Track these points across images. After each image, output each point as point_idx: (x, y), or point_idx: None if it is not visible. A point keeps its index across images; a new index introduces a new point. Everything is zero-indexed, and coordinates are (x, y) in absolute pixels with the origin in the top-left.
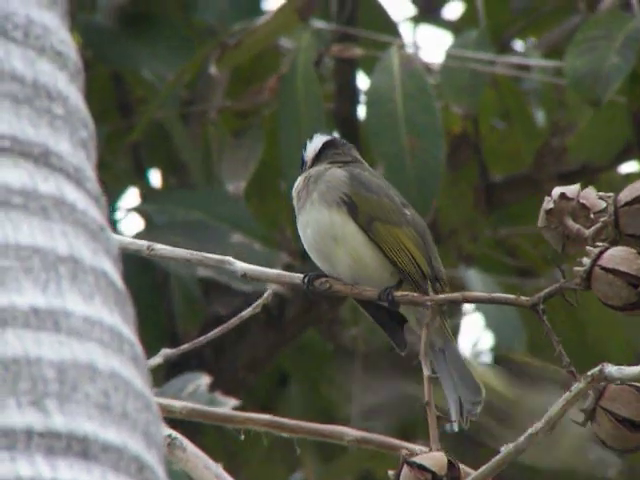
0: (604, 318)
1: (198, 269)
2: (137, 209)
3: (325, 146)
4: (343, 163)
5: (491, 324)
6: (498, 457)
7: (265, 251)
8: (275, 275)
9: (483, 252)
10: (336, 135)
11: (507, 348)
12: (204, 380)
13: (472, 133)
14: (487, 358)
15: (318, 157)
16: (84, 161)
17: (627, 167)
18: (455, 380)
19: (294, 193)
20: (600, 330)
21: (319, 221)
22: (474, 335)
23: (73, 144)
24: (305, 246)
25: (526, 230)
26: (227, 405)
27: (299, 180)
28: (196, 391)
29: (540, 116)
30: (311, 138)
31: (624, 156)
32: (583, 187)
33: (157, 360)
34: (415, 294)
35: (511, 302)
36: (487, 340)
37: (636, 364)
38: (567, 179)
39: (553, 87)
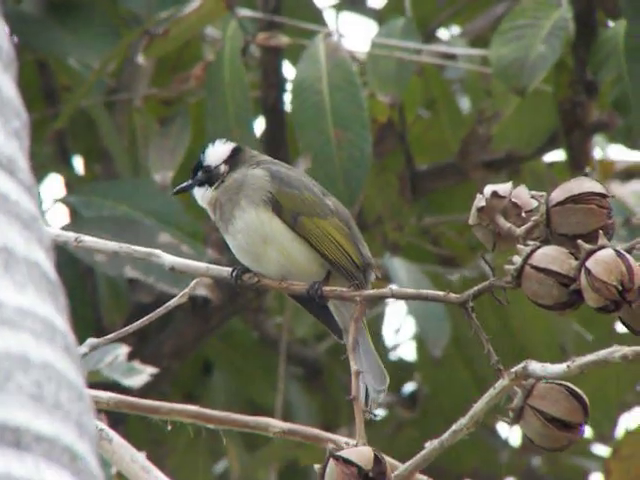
0: (529, 312)
1: (125, 270)
2: (63, 200)
3: (234, 152)
4: (257, 163)
5: (414, 314)
6: (423, 452)
7: (192, 252)
8: (204, 268)
9: (408, 241)
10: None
11: (431, 339)
12: (122, 350)
13: (398, 122)
14: (409, 347)
15: (229, 164)
16: (17, 151)
17: (552, 156)
18: (364, 368)
19: (208, 205)
20: (525, 323)
21: (249, 223)
22: (396, 323)
23: (6, 134)
24: (235, 253)
25: (451, 219)
26: (145, 372)
27: (211, 192)
28: (115, 361)
29: (466, 105)
30: (212, 143)
31: (549, 145)
32: (511, 180)
33: (83, 349)
34: (344, 289)
35: (440, 299)
36: (409, 328)
37: (561, 359)
38: (492, 168)
39: (479, 76)
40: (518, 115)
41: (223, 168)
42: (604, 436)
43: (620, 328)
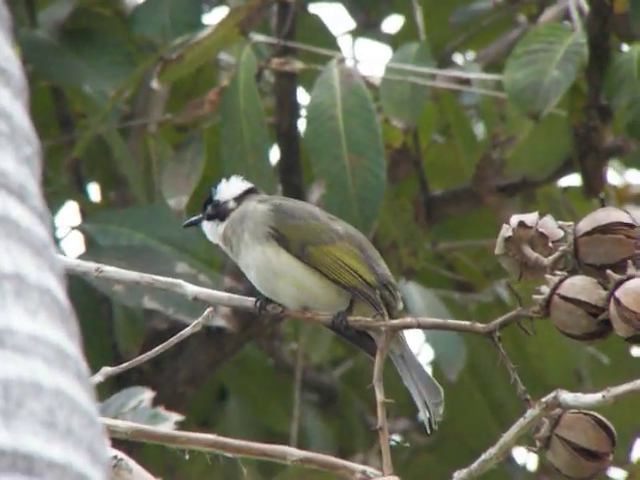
0: (544, 338)
1: (144, 301)
2: (79, 228)
3: (247, 192)
4: (263, 200)
5: (431, 339)
6: None
7: (210, 282)
8: (226, 298)
9: (423, 266)
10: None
11: (447, 364)
12: (147, 395)
13: (412, 147)
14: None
15: (238, 202)
16: (28, 178)
17: (566, 181)
18: (416, 383)
19: (219, 240)
20: (540, 349)
21: (256, 259)
22: (414, 348)
23: (17, 161)
24: (254, 285)
25: (466, 244)
26: (170, 420)
27: (222, 227)
28: (138, 406)
29: (480, 130)
30: (227, 179)
31: (564, 170)
32: (526, 205)
33: (98, 378)
34: (369, 319)
35: (466, 329)
36: (427, 354)
37: (576, 385)
38: (507, 192)
39: (493, 100)
40: (532, 140)
41: (232, 204)
42: (619, 460)
43: (636, 352)
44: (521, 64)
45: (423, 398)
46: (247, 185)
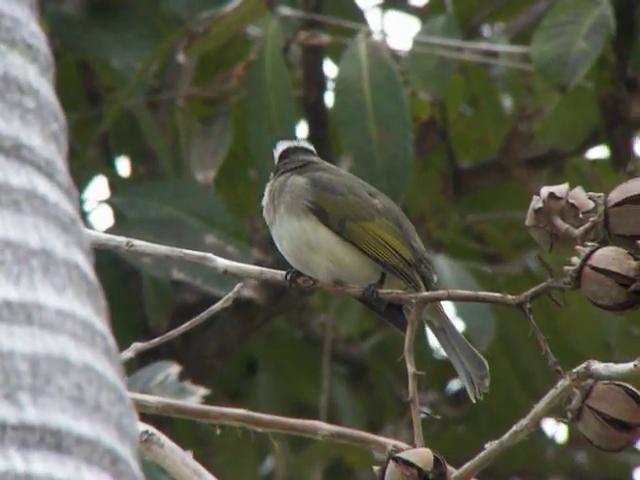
0: (574, 309)
1: (173, 272)
2: (107, 202)
3: (283, 155)
4: (300, 168)
5: (461, 312)
6: (483, 454)
7: (238, 253)
8: (257, 272)
9: (451, 238)
10: (298, 140)
11: (476, 335)
12: (174, 369)
13: (440, 119)
14: None
15: (279, 165)
16: (55, 154)
17: (594, 153)
18: (460, 357)
19: (264, 205)
20: (570, 320)
21: (291, 232)
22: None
23: (44, 137)
24: (285, 257)
25: (494, 216)
26: (197, 394)
27: (265, 193)
28: (165, 380)
29: (508, 102)
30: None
31: (592, 142)
32: (554, 178)
33: (128, 354)
34: (400, 291)
35: (497, 301)
36: (457, 326)
37: (605, 356)
38: (535, 165)
39: (520, 73)
40: (560, 112)
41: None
42: None
43: None
44: (548, 36)
45: (466, 370)
46: (284, 145)
